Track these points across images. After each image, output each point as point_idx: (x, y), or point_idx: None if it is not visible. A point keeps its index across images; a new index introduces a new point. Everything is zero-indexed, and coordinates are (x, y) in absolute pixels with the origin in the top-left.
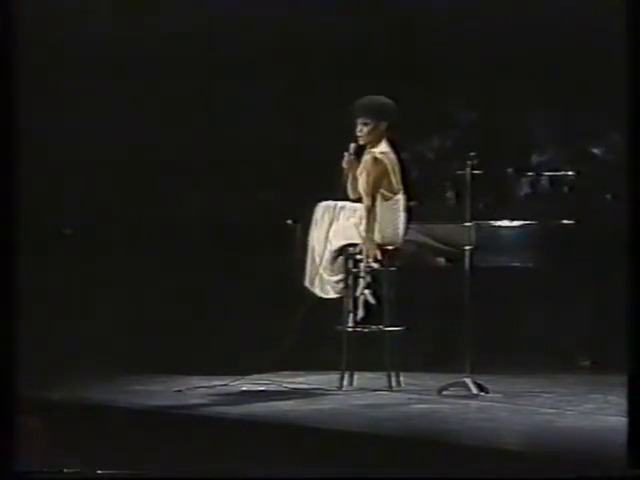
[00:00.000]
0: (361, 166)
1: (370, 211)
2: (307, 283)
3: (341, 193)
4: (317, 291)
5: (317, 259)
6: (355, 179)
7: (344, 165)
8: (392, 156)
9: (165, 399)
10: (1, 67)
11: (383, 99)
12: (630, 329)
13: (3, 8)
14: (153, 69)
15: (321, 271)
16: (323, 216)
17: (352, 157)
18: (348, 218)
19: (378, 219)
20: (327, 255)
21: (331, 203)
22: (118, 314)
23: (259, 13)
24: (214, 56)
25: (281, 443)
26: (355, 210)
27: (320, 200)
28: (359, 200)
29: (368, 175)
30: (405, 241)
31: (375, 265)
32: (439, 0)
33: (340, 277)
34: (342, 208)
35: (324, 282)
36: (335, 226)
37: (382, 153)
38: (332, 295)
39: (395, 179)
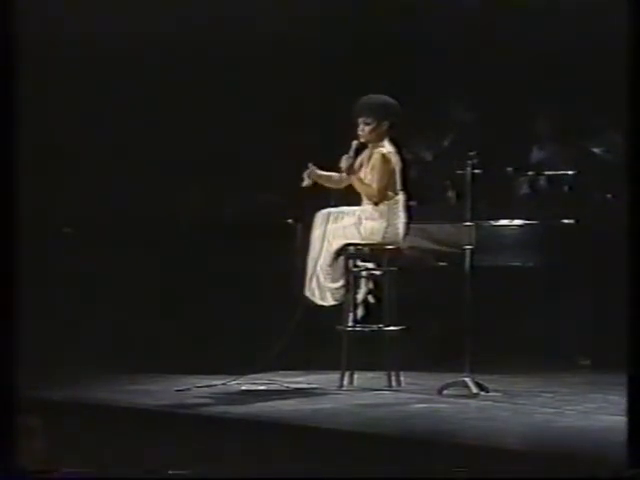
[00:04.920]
0: (368, 163)
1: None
2: (307, 292)
3: (337, 194)
4: (316, 299)
5: (316, 264)
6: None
7: (342, 165)
8: (396, 156)
9: (165, 399)
10: (1, 67)
11: (385, 98)
12: (630, 329)
13: (3, 8)
14: (154, 68)
15: (320, 275)
16: (321, 224)
17: (352, 158)
18: (347, 219)
19: (378, 216)
20: (326, 257)
21: (329, 210)
22: (118, 314)
23: (260, 13)
24: (216, 56)
25: (281, 443)
26: (354, 212)
27: (318, 205)
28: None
29: (375, 171)
30: (405, 241)
31: (370, 265)
32: None
33: (340, 284)
34: (340, 212)
35: (323, 289)
36: (334, 226)
37: (389, 152)
38: (331, 302)
39: (398, 179)
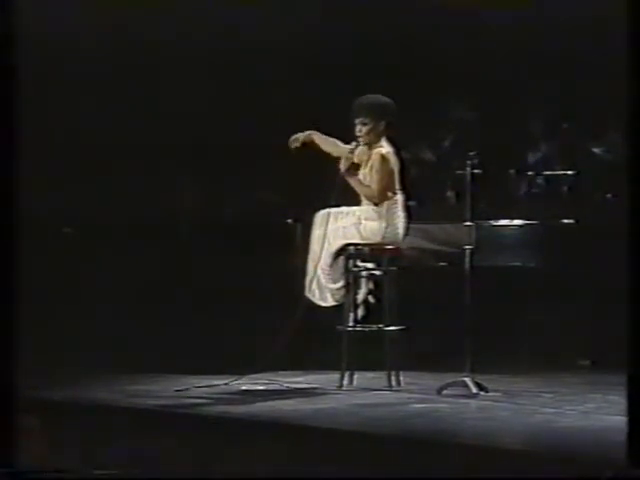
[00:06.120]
0: (367, 164)
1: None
2: (307, 293)
3: (336, 195)
4: (316, 300)
5: (316, 265)
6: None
7: (342, 166)
8: (395, 156)
9: (165, 399)
10: (1, 67)
11: (381, 98)
12: (630, 329)
13: (3, 8)
14: (153, 68)
15: (320, 275)
16: (321, 225)
17: (351, 159)
18: (347, 219)
19: (377, 217)
20: (326, 258)
21: (329, 210)
22: (118, 314)
23: (260, 12)
24: (216, 56)
25: (281, 443)
26: (354, 213)
27: (318, 205)
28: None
29: (373, 172)
30: (405, 241)
31: (370, 265)
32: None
33: (340, 285)
34: (339, 212)
35: (323, 289)
36: (334, 226)
37: (388, 152)
38: (331, 303)
39: (397, 179)
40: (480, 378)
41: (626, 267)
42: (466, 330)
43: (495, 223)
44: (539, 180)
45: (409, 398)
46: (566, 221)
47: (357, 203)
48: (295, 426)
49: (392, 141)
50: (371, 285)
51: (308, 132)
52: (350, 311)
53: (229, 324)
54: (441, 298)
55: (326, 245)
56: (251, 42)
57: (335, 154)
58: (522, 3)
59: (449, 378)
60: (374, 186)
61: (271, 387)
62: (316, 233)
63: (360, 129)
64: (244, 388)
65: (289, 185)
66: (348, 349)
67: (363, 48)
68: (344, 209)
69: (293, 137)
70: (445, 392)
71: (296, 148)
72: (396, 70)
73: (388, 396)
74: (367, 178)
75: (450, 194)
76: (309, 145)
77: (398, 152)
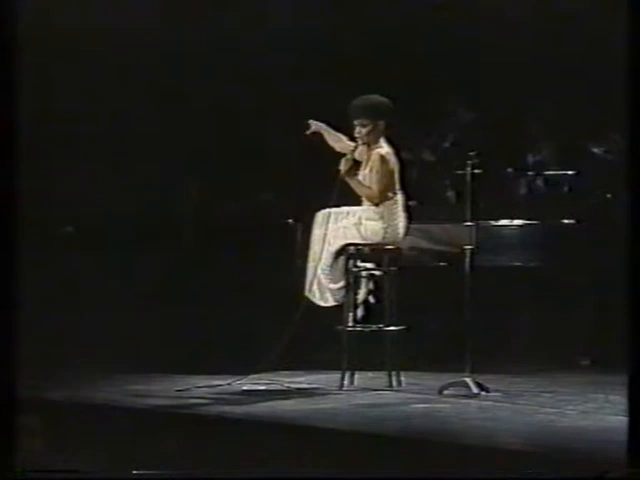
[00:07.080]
0: (366, 165)
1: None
2: (307, 293)
3: (336, 195)
4: (317, 300)
5: (316, 265)
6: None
7: (342, 167)
8: (394, 157)
9: (165, 399)
10: (1, 66)
11: (378, 98)
12: (630, 329)
13: (4, 8)
14: (154, 67)
15: (320, 276)
16: (322, 225)
17: (351, 160)
18: (347, 219)
19: (378, 217)
20: (326, 258)
21: (330, 210)
22: (118, 313)
23: (260, 11)
24: (216, 55)
25: (281, 443)
26: (354, 213)
27: (318, 205)
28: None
29: (373, 172)
30: (405, 241)
31: (371, 265)
32: None
33: (340, 285)
34: (340, 213)
35: (323, 289)
36: (334, 227)
37: (388, 153)
38: (331, 303)
39: (397, 179)
40: (481, 378)
41: (626, 267)
42: (466, 330)
43: (495, 223)
44: (539, 180)
45: (410, 398)
46: (566, 221)
47: (357, 203)
48: (295, 426)
49: (391, 141)
50: (371, 285)
51: (321, 124)
52: (350, 311)
53: (229, 324)
54: (441, 298)
55: (326, 245)
56: (252, 42)
57: (337, 149)
58: (522, 2)
59: (450, 378)
60: (374, 187)
61: (272, 387)
62: (316, 233)
63: (359, 130)
64: (245, 388)
65: (289, 185)
66: (348, 349)
67: (363, 48)
68: (344, 209)
69: (309, 121)
70: (446, 392)
71: (308, 135)
72: (396, 70)
73: (389, 396)
74: (367, 179)
75: (450, 194)
76: (318, 135)
77: (397, 152)
